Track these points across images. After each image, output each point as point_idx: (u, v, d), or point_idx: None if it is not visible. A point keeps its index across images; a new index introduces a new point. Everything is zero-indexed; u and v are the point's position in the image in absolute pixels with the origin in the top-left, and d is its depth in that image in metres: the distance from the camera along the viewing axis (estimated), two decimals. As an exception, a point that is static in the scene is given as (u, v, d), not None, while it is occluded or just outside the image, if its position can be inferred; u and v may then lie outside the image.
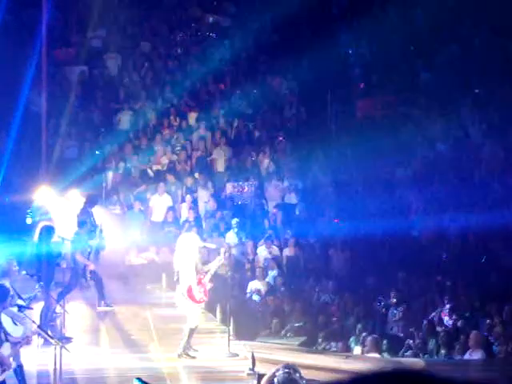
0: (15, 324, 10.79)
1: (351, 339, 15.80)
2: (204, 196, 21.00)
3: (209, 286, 13.52)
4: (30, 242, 16.99)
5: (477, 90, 20.99)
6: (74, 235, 15.63)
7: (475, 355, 14.30)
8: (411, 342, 15.23)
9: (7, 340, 9.90)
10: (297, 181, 20.98)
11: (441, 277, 16.82)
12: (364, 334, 15.52)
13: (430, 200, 18.71)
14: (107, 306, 16.16)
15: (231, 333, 14.12)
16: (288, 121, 22.69)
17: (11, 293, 10.77)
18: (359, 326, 16.09)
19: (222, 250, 13.73)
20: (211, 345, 14.27)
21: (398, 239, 17.73)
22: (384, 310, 16.45)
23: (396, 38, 21.77)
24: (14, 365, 10.77)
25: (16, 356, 11.22)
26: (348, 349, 15.50)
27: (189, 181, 21.26)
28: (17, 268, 11.41)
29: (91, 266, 15.42)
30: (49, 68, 20.56)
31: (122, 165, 21.71)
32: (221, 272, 16.66)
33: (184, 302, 13.42)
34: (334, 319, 16.57)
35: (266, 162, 21.52)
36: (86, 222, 15.93)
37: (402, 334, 15.74)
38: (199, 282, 13.39)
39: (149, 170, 21.81)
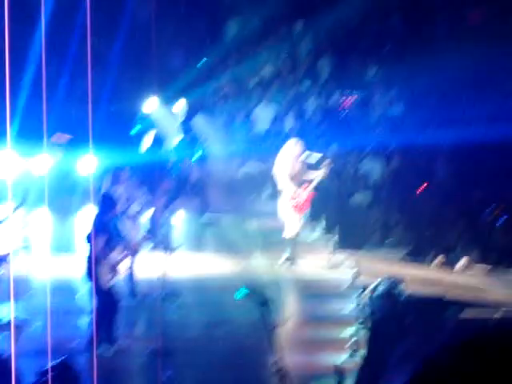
0: (134, 227, 11.12)
1: (456, 251, 15.64)
2: (309, 106, 20.87)
3: (311, 195, 13.54)
4: (138, 151, 17.30)
5: None
6: (177, 144, 15.83)
7: None
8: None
9: (117, 246, 10.18)
10: (404, 90, 20.60)
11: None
12: (470, 246, 15.34)
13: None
14: (212, 214, 16.41)
15: (335, 243, 14.15)
16: (395, 29, 22.17)
17: (122, 200, 11.03)
18: (464, 237, 15.90)
19: (327, 162, 13.64)
20: (315, 255, 14.35)
21: (507, 148, 17.26)
22: (491, 221, 16.18)
23: None
24: (126, 270, 11.09)
25: (133, 260, 11.59)
26: (452, 261, 15.36)
27: (294, 91, 21.13)
28: (128, 175, 11.65)
29: (194, 176, 15.65)
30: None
31: (226, 74, 21.71)
32: (325, 183, 16.65)
33: (286, 211, 13.50)
34: (438, 231, 16.40)
35: (371, 71, 21.18)
36: (188, 131, 16.11)
37: (509, 247, 15.48)
38: (302, 191, 13.44)
39: (254, 80, 21.76)
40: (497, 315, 8.72)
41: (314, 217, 16.33)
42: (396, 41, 21.62)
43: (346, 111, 20.71)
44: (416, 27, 21.58)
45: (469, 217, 16.35)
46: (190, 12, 23.16)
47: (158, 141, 14.94)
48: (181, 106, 19.13)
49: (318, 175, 13.54)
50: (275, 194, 15.62)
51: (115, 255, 10.09)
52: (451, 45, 20.66)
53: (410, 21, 22.01)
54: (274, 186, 15.10)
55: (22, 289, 11.79)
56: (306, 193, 13.56)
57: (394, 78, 20.75)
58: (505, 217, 15.97)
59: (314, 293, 12.49)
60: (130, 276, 11.84)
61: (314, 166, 15.26)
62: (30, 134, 15.24)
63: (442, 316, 8.84)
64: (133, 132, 19.54)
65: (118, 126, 19.44)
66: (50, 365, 6.29)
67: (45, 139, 14.89)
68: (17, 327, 10.65)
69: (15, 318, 10.71)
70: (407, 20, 22.04)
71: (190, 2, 23.36)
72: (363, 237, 16.62)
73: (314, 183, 13.53)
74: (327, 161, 13.74)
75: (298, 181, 13.58)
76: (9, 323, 10.66)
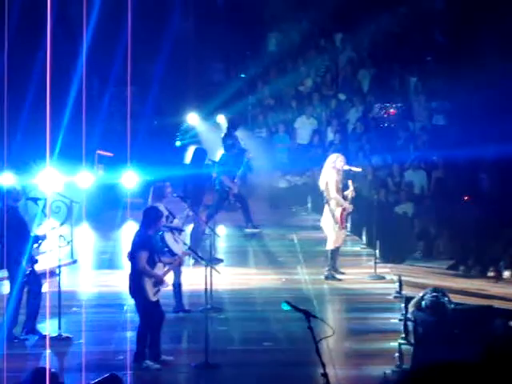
0: (176, 242, 11.14)
1: (501, 263, 15.47)
2: (350, 118, 20.85)
3: (350, 210, 13.61)
4: (181, 165, 17.40)
5: None
6: (221, 158, 15.87)
7: None
8: None
9: (160, 261, 10.23)
10: (445, 101, 20.50)
11: None
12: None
13: None
14: (254, 228, 16.41)
15: (377, 256, 14.10)
16: (437, 39, 22.08)
17: (165, 214, 11.06)
18: (510, 249, 15.72)
19: (350, 183, 13.66)
20: (358, 268, 14.30)
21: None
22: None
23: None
24: (170, 283, 11.12)
25: (177, 274, 11.63)
26: (498, 273, 15.20)
27: (334, 103, 21.12)
28: (170, 190, 11.70)
29: (234, 190, 15.65)
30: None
31: (267, 88, 21.76)
32: (367, 195, 16.61)
33: (328, 224, 13.49)
34: (482, 243, 16.25)
35: (413, 83, 21.12)
36: (233, 146, 16.15)
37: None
38: (344, 205, 13.45)
39: (294, 93, 21.79)
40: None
41: (356, 229, 16.29)
42: (437, 52, 21.51)
43: (387, 123, 20.65)
44: (458, 37, 21.44)
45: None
46: (229, 26, 23.28)
47: (205, 154, 14.97)
48: (223, 119, 19.23)
49: (347, 194, 13.58)
50: (318, 206, 15.61)
51: (159, 270, 10.13)
52: (496, 56, 20.48)
53: (451, 31, 21.88)
54: (316, 198, 15.08)
55: (68, 303, 11.88)
56: (347, 206, 13.58)
57: (437, 89, 20.63)
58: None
59: (357, 305, 12.44)
60: (176, 290, 11.88)
61: (356, 179, 15.24)
62: (73, 151, 15.43)
63: (489, 327, 8.76)
64: (176, 146, 19.67)
65: (161, 141, 19.58)
66: (98, 379, 6.33)
67: (84, 156, 15.06)
68: (64, 342, 10.74)
69: (60, 333, 10.80)
70: (449, 30, 21.91)
71: (229, 15, 23.49)
72: (406, 249, 16.54)
73: (348, 201, 13.59)
74: (350, 181, 13.72)
75: (340, 194, 13.58)
76: (56, 338, 10.75)
